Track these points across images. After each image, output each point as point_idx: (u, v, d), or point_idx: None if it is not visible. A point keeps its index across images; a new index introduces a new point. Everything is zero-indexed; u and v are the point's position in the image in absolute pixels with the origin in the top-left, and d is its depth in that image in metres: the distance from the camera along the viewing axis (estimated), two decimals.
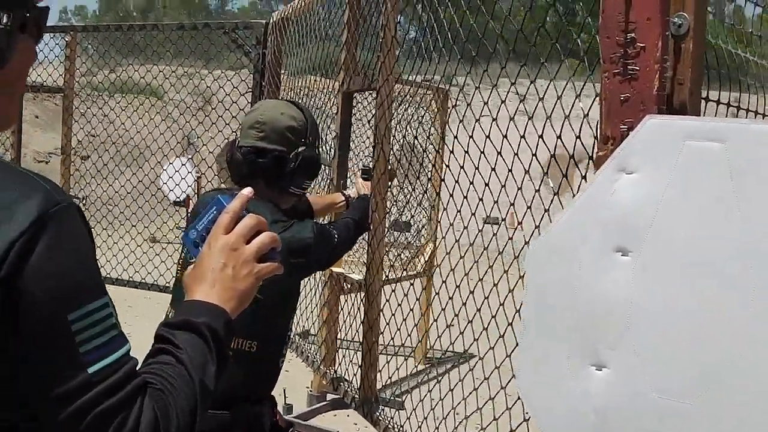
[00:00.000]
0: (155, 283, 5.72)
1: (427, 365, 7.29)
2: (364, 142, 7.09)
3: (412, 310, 3.28)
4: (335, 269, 3.72)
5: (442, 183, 7.00)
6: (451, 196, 2.82)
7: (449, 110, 7.51)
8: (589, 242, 1.60)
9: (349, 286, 3.61)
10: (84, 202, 12.52)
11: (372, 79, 3.32)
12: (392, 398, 3.99)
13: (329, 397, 6.49)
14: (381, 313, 3.26)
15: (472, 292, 2.74)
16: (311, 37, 4.36)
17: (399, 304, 3.28)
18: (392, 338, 3.43)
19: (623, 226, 1.56)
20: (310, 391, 6.49)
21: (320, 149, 2.78)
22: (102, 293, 1.15)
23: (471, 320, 2.84)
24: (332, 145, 3.74)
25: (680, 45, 1.47)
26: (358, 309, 3.50)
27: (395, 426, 3.09)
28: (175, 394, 1.17)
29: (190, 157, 12.37)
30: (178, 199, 11.73)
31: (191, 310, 1.30)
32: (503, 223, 2.82)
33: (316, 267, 2.77)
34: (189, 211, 15.91)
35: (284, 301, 2.56)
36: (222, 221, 1.38)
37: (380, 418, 3.19)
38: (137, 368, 1.18)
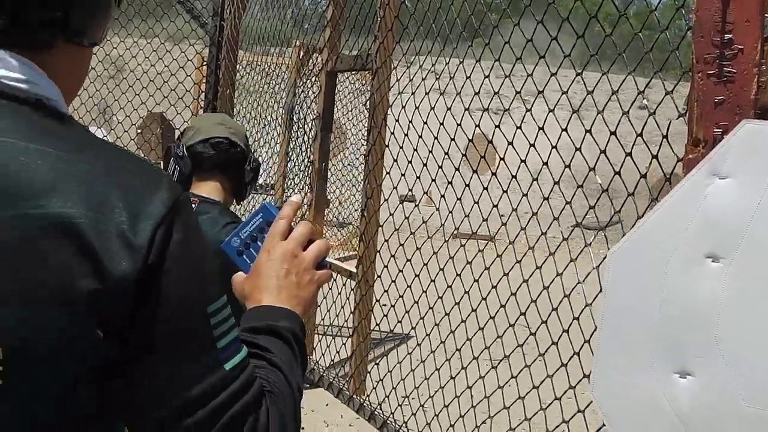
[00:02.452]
0: None
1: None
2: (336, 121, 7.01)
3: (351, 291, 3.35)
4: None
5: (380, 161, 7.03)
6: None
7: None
8: (677, 247, 1.56)
9: (334, 273, 3.51)
10: None
11: (366, 60, 3.21)
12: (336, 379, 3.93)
13: None
14: (378, 302, 3.17)
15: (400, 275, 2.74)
16: (274, 11, 4.23)
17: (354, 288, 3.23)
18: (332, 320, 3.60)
19: (715, 231, 1.53)
20: None
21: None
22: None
23: (393, 303, 2.84)
24: (312, 126, 3.63)
25: None
26: (338, 294, 3.44)
27: (395, 421, 3.01)
28: (282, 399, 1.10)
29: (103, 128, 12.00)
30: None
31: (269, 315, 1.23)
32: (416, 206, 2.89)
33: None
34: None
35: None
36: (279, 228, 1.33)
37: (376, 413, 3.11)
38: None
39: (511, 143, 2.34)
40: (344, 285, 3.41)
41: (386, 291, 3.01)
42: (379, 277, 3.16)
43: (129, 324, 0.96)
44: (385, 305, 3.06)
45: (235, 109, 4.93)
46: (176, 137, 2.92)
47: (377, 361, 3.25)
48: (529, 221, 2.36)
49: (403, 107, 2.79)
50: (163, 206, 0.98)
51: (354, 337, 3.21)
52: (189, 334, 1.01)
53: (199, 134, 2.77)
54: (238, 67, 4.85)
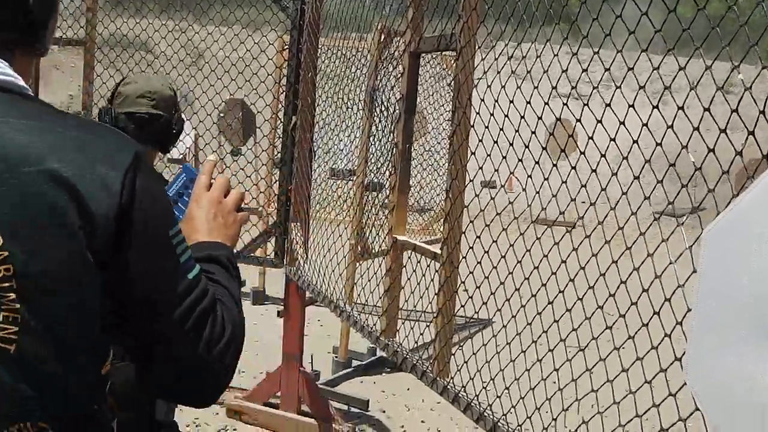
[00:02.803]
0: None
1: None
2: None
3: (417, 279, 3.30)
4: (400, 237, 3.60)
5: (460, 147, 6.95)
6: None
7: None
8: None
9: (417, 256, 3.49)
10: None
11: (450, 40, 3.18)
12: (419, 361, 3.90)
13: (354, 363, 6.42)
14: (463, 284, 3.15)
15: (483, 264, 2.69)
16: None
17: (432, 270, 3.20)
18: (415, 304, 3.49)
19: None
20: (335, 357, 6.40)
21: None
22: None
23: (478, 285, 2.80)
24: (396, 108, 3.61)
25: None
26: (422, 277, 3.40)
27: (479, 404, 2.99)
28: (228, 305, 1.46)
29: (187, 118, 12.17)
30: (178, 156, 11.56)
31: (207, 248, 1.60)
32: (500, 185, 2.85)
33: None
34: None
35: None
36: (202, 182, 1.71)
37: (460, 395, 3.08)
38: None
39: (600, 122, 2.29)
40: (428, 267, 3.38)
41: (471, 273, 2.98)
42: (464, 258, 3.13)
43: (113, 251, 1.26)
44: (465, 291, 3.03)
45: (316, 93, 4.94)
46: (108, 98, 3.23)
47: (461, 345, 3.23)
48: (617, 203, 2.31)
49: (489, 87, 2.75)
50: (127, 159, 1.28)
51: (438, 318, 3.20)
52: (159, 251, 1.33)
53: (124, 104, 3.08)
54: (319, 52, 4.86)
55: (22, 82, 1.34)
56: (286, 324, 5.22)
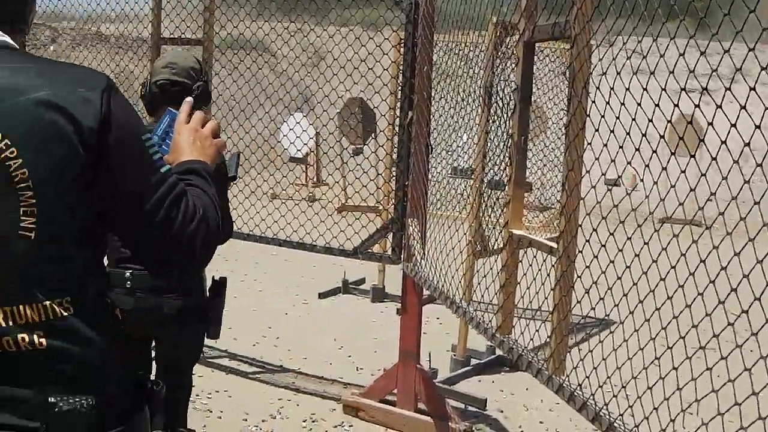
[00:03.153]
0: (275, 237, 5.62)
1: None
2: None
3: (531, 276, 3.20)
4: (516, 231, 3.51)
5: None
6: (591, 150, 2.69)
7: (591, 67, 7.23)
8: None
9: (534, 250, 3.40)
10: None
11: (564, 27, 3.09)
12: (534, 359, 3.80)
13: (473, 361, 6.34)
14: (580, 279, 3.05)
15: (603, 260, 2.56)
16: None
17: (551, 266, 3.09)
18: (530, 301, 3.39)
19: None
20: (454, 355, 6.34)
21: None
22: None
23: (587, 290, 2.66)
24: (511, 98, 3.53)
25: None
26: (538, 273, 3.30)
27: (595, 403, 2.89)
28: (202, 197, 1.82)
29: (304, 115, 12.28)
30: (297, 154, 11.69)
31: (187, 164, 1.94)
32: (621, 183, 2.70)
33: None
34: (308, 165, 16.08)
35: None
36: (181, 117, 2.06)
37: (576, 394, 2.99)
38: None
39: (734, 125, 2.16)
40: (543, 263, 3.29)
41: (588, 267, 2.87)
42: (581, 252, 3.02)
43: (98, 154, 1.62)
44: (584, 289, 2.93)
45: (433, 89, 4.89)
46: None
47: (579, 344, 3.13)
48: (737, 194, 2.18)
49: (612, 88, 2.63)
50: (102, 83, 1.67)
51: (554, 314, 3.11)
52: (135, 150, 1.69)
53: (153, 75, 3.77)
54: (434, 47, 4.82)
55: (8, 40, 1.73)
56: (403, 321, 5.19)
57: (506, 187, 3.70)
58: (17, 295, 1.59)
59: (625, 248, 2.65)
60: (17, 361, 1.58)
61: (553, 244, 3.13)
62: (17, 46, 1.75)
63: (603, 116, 2.74)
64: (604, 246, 2.74)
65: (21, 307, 1.58)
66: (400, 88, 5.04)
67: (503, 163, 8.06)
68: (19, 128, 1.58)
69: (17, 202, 1.57)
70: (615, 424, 2.69)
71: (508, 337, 3.60)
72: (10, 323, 1.57)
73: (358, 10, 5.70)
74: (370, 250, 5.36)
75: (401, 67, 5.07)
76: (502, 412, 5.51)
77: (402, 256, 5.15)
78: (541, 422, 5.34)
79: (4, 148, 1.57)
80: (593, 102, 2.91)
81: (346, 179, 12.91)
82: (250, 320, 7.65)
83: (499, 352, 6.01)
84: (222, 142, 2.10)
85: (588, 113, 2.94)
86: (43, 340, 1.59)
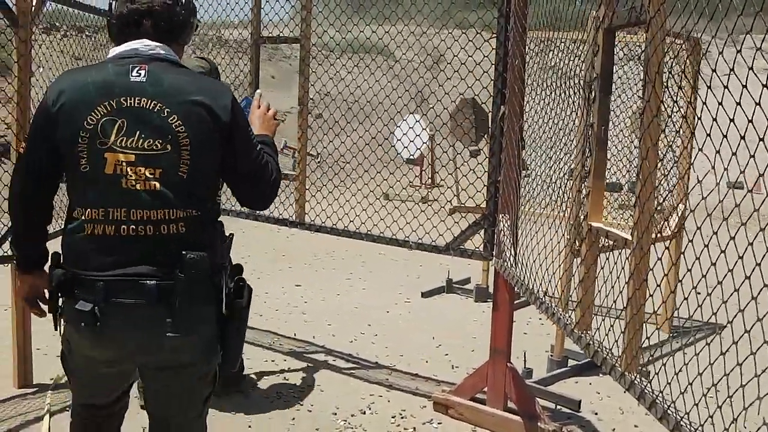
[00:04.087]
0: (394, 237, 5.57)
1: (671, 333, 6.85)
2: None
3: (645, 277, 2.98)
4: (594, 223, 3.41)
5: (691, 142, 6.51)
6: (701, 152, 2.49)
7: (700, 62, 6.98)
8: None
9: (611, 242, 3.28)
10: (318, 159, 12.66)
11: (640, 12, 2.98)
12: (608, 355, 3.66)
13: (570, 362, 6.20)
14: (652, 273, 2.93)
15: (713, 263, 2.41)
16: None
17: (653, 266, 2.93)
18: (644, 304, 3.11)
19: None
20: (551, 356, 6.21)
21: None
22: None
23: (710, 292, 2.50)
24: (593, 87, 3.42)
25: None
26: (622, 269, 3.18)
27: (664, 401, 2.77)
28: (273, 160, 3.03)
29: (423, 114, 12.25)
30: (411, 157, 11.69)
31: (261, 137, 3.13)
32: (752, 186, 2.47)
33: None
34: (423, 168, 16.09)
35: None
36: (254, 104, 3.34)
37: (646, 391, 2.87)
38: None
39: None
40: (619, 256, 3.17)
41: (689, 270, 2.71)
42: (682, 254, 2.84)
43: (228, 136, 2.80)
44: (682, 292, 2.76)
45: (525, 84, 4.80)
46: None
47: (681, 350, 2.99)
48: None
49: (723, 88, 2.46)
50: (230, 96, 2.83)
51: (627, 309, 3.00)
52: (247, 134, 2.90)
53: None
54: (528, 42, 4.72)
55: (175, 57, 2.90)
56: (495, 318, 5.11)
57: (622, 188, 3.59)
58: (173, 204, 2.71)
59: (729, 241, 2.48)
60: (170, 239, 2.71)
61: (628, 236, 3.03)
62: (179, 60, 2.93)
63: (711, 119, 2.61)
64: (707, 246, 2.56)
65: (175, 210, 2.71)
66: (492, 82, 4.96)
67: (613, 165, 7.85)
68: (182, 114, 2.72)
69: (180, 156, 2.72)
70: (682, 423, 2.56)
71: (587, 333, 3.49)
72: (169, 217, 2.71)
73: (471, 13, 5.63)
74: (462, 246, 5.29)
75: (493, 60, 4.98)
76: (596, 414, 5.36)
77: (494, 252, 5.07)
78: (636, 426, 5.17)
79: (177, 124, 2.71)
80: (704, 103, 2.77)
81: (459, 182, 12.84)
82: (351, 318, 7.70)
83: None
84: (277, 123, 3.34)
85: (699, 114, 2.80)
86: (183, 228, 2.72)
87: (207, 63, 4.99)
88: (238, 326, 2.89)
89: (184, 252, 2.67)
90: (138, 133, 2.68)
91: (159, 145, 2.68)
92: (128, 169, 2.66)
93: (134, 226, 2.66)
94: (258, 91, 3.47)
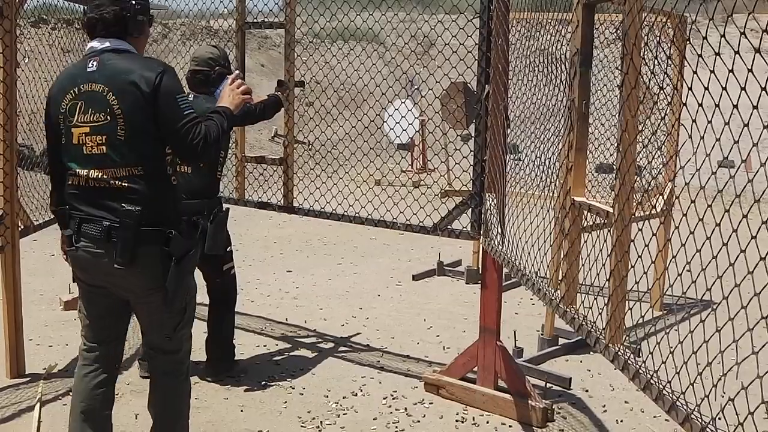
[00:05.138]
0: (382, 219, 5.58)
1: (662, 311, 6.88)
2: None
3: (641, 255, 2.96)
4: (577, 198, 3.43)
5: (678, 120, 6.51)
6: (690, 137, 2.47)
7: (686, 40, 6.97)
8: None
9: (593, 216, 3.29)
10: (310, 147, 12.67)
11: None
12: (627, 343, 3.67)
13: (561, 341, 6.22)
14: (632, 244, 2.94)
15: (708, 238, 2.40)
16: None
17: (646, 245, 2.91)
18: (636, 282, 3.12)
19: None
20: (541, 335, 6.23)
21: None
22: (186, 93, 3.79)
23: (704, 267, 2.49)
24: (573, 63, 3.43)
25: None
26: (604, 242, 3.19)
27: (647, 372, 2.79)
28: (212, 126, 3.62)
29: (414, 101, 12.25)
30: (402, 142, 11.67)
31: (218, 108, 3.79)
32: (742, 165, 2.45)
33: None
34: (413, 155, 16.10)
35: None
36: (227, 82, 3.95)
37: (630, 362, 2.89)
38: None
39: None
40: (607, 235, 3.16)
41: (683, 245, 2.68)
42: (677, 228, 2.81)
43: (154, 102, 3.48)
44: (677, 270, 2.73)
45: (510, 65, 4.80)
46: None
47: (670, 330, 2.99)
48: None
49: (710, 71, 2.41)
50: (158, 70, 3.53)
51: (610, 281, 3.01)
52: (171, 105, 3.51)
53: (189, 66, 5.51)
54: (513, 23, 4.73)
55: (123, 46, 3.62)
56: (483, 297, 5.12)
57: (614, 170, 3.60)
58: (117, 163, 3.48)
59: (723, 214, 2.46)
60: (116, 192, 3.48)
61: (610, 209, 3.04)
62: (133, 50, 3.66)
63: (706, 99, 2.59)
64: (701, 220, 2.55)
65: (119, 168, 3.48)
66: (476, 61, 4.96)
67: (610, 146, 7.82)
68: (117, 90, 3.47)
69: (117, 124, 3.47)
70: (692, 416, 2.55)
71: (572, 307, 3.51)
72: (115, 174, 3.48)
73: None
74: (449, 227, 5.30)
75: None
76: (587, 391, 5.39)
77: (481, 231, 5.09)
78: (626, 402, 5.19)
79: (112, 98, 3.47)
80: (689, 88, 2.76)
81: (452, 169, 12.86)
82: (342, 302, 7.72)
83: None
84: (246, 97, 3.94)
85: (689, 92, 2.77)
86: (125, 184, 3.48)
87: (217, 50, 5.46)
88: (178, 267, 3.57)
89: (121, 204, 3.47)
90: (90, 110, 3.52)
91: (102, 117, 3.50)
92: (86, 138, 3.53)
93: (93, 181, 3.54)
94: (236, 71, 4.19)
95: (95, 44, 3.64)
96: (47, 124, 3.76)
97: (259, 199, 6.27)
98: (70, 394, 5.08)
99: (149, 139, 3.52)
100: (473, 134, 5.20)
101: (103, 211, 3.51)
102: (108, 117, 3.49)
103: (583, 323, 3.31)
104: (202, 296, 4.26)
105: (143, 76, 3.46)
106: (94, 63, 3.56)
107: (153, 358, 3.94)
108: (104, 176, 3.50)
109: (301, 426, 4.81)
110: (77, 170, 3.57)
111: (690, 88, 2.50)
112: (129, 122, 3.47)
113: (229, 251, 5.48)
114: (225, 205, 5.60)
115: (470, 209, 5.16)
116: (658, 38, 6.58)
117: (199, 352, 5.31)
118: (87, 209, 3.56)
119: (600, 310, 3.22)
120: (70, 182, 3.62)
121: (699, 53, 2.38)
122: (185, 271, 3.66)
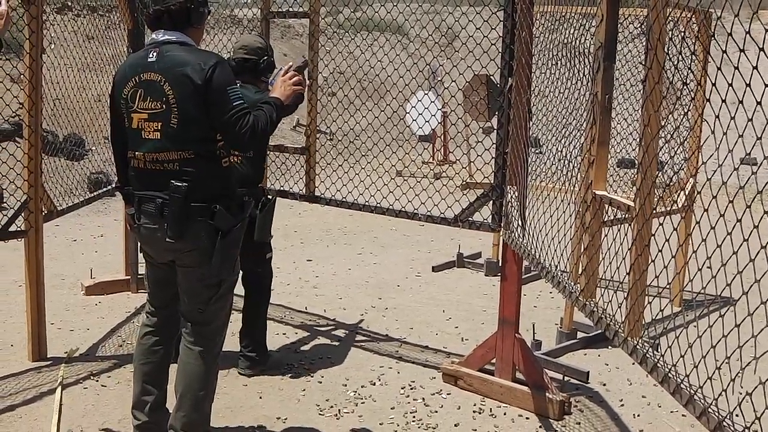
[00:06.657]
0: (403, 209, 5.60)
1: (681, 307, 6.87)
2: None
3: (661, 250, 2.94)
4: (598, 192, 3.43)
5: (701, 116, 6.49)
6: (712, 133, 2.46)
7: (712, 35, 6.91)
8: None
9: (615, 210, 3.30)
10: (332, 137, 12.65)
11: None
12: (646, 338, 3.67)
13: (579, 335, 6.23)
14: (653, 239, 2.95)
15: (729, 233, 2.39)
16: None
17: (667, 239, 2.91)
18: (655, 277, 3.11)
19: None
20: (560, 328, 6.24)
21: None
22: (237, 84, 3.87)
23: (725, 263, 2.47)
24: (596, 57, 3.43)
25: None
26: (625, 236, 3.19)
27: (665, 365, 2.80)
28: (261, 117, 3.79)
29: (438, 93, 12.25)
30: (423, 134, 11.68)
31: (269, 98, 3.96)
32: (764, 162, 2.44)
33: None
34: (435, 147, 16.11)
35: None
36: (280, 73, 4.10)
37: (648, 356, 2.90)
38: None
39: None
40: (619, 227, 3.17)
41: (704, 240, 2.67)
42: (698, 223, 2.79)
43: (206, 93, 3.72)
44: (699, 267, 2.72)
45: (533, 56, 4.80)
46: None
47: (690, 325, 2.99)
48: None
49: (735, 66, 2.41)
50: (211, 62, 3.75)
51: (630, 275, 3.02)
52: (222, 95, 3.73)
53: (234, 54, 5.44)
54: (537, 16, 4.72)
55: (183, 38, 3.89)
56: (503, 289, 5.14)
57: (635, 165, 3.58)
58: (168, 148, 3.78)
59: (745, 210, 2.45)
60: (169, 173, 3.78)
61: (631, 203, 3.05)
62: (191, 42, 3.92)
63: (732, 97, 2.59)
64: (722, 216, 2.54)
65: (170, 152, 3.78)
66: (500, 52, 4.97)
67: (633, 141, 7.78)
68: (172, 80, 3.73)
69: (171, 112, 3.74)
70: (709, 410, 2.55)
71: (592, 300, 3.52)
72: (167, 158, 3.78)
73: None
74: (470, 219, 5.32)
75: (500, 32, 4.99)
76: (604, 385, 5.39)
77: (501, 223, 5.10)
78: (643, 396, 5.20)
79: (168, 88, 3.73)
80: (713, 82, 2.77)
81: (474, 161, 12.84)
82: (362, 291, 7.75)
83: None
84: (298, 89, 4.07)
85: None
86: (177, 166, 3.78)
87: (263, 40, 5.64)
88: (224, 241, 3.87)
89: (172, 181, 3.75)
90: (149, 98, 3.81)
91: (158, 105, 3.78)
92: (145, 123, 3.83)
93: (150, 163, 3.85)
94: (290, 63, 4.16)
95: (157, 36, 3.93)
96: (112, 108, 4.08)
97: (281, 188, 6.30)
98: (92, 376, 5.20)
99: (200, 127, 3.77)
100: (495, 127, 5.21)
101: (157, 191, 3.81)
102: (164, 105, 3.77)
103: (603, 316, 3.33)
104: (238, 288, 4.28)
105: (196, 69, 3.71)
106: (154, 54, 3.83)
107: (185, 334, 4.10)
108: (159, 159, 3.81)
109: (319, 414, 4.84)
110: (136, 152, 3.89)
111: (714, 84, 2.51)
112: (181, 111, 3.74)
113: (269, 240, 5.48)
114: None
115: (491, 201, 5.17)
116: (682, 34, 6.54)
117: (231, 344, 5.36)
118: (144, 189, 3.88)
119: (619, 304, 3.23)
120: (132, 164, 3.96)
121: (723, 49, 2.39)
122: (230, 244, 3.93)
